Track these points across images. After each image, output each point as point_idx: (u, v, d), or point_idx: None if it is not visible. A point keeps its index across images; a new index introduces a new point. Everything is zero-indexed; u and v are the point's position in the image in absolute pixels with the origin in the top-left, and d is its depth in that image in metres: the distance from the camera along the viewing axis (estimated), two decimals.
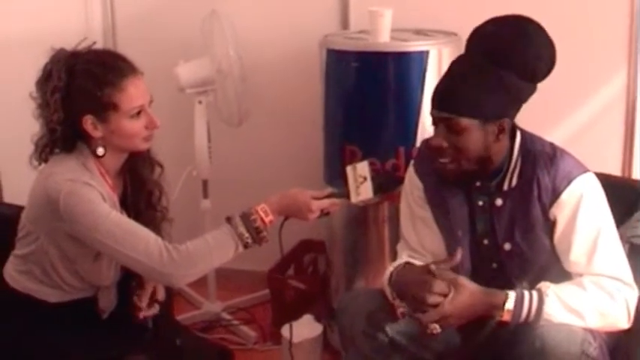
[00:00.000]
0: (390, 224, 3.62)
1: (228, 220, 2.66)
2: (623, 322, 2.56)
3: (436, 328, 2.56)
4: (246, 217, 2.65)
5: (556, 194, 2.61)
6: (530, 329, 2.48)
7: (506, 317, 2.52)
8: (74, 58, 2.65)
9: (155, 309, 2.93)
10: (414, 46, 3.52)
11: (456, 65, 2.70)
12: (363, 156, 3.40)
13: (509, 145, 2.70)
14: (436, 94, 2.68)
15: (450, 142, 2.63)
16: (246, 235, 2.63)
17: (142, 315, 2.90)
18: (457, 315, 2.55)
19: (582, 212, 2.59)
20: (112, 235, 2.55)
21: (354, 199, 2.78)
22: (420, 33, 3.79)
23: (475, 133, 2.60)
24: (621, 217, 2.77)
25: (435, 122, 2.67)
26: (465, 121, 2.59)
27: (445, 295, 2.56)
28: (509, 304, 2.51)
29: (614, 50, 3.80)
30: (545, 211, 2.64)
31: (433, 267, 2.59)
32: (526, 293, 2.52)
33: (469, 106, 2.59)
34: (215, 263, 2.67)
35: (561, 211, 2.62)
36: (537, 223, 2.65)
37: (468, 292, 2.56)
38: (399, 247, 2.98)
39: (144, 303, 2.91)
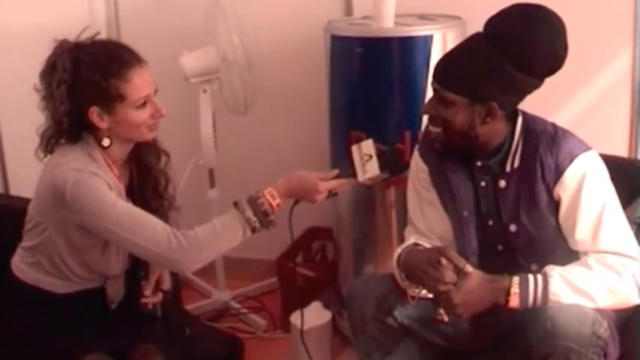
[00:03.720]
0: (397, 209, 3.62)
1: (236, 204, 2.65)
2: (635, 298, 2.56)
3: (443, 315, 2.58)
4: (253, 201, 2.65)
5: (559, 173, 2.62)
6: (541, 312, 2.48)
7: (514, 302, 2.52)
8: (78, 50, 2.64)
9: (158, 297, 2.94)
10: (418, 30, 3.51)
11: (463, 41, 2.72)
12: (367, 138, 3.40)
13: (511, 127, 2.71)
14: (436, 65, 2.73)
15: (437, 112, 2.69)
16: (254, 219, 2.62)
17: (143, 301, 2.90)
18: (466, 303, 2.56)
19: (586, 189, 2.60)
20: (120, 223, 2.56)
21: (360, 177, 2.77)
22: (424, 17, 3.78)
23: (461, 110, 2.63)
24: (628, 198, 2.77)
25: (432, 90, 2.72)
26: (452, 96, 2.63)
27: (454, 284, 2.56)
28: (515, 288, 2.51)
29: (618, 30, 3.79)
30: (550, 191, 2.64)
31: (444, 261, 2.59)
32: (530, 276, 2.53)
33: (457, 83, 2.62)
34: (224, 248, 2.66)
35: (565, 190, 2.62)
36: (542, 203, 2.66)
37: (474, 280, 2.57)
38: (407, 231, 2.99)
39: (148, 292, 2.92)
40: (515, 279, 2.53)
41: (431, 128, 2.75)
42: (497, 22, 2.62)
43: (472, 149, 2.72)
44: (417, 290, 2.70)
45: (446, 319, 2.60)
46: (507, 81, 2.59)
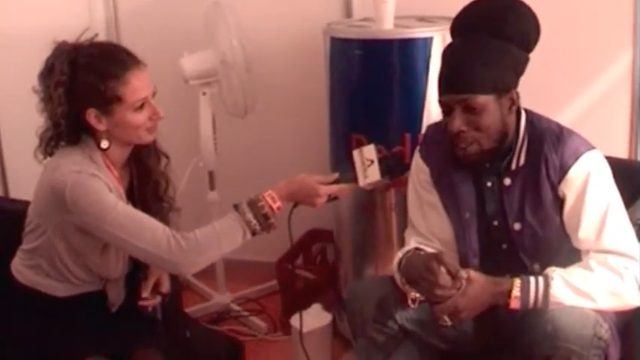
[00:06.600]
0: (398, 211, 3.62)
1: (236, 207, 2.65)
2: (636, 300, 2.56)
3: (447, 321, 2.57)
4: (253, 204, 2.65)
5: (564, 171, 2.62)
6: (542, 313, 2.48)
7: (515, 304, 2.52)
8: (76, 52, 2.64)
9: (157, 299, 2.94)
10: (418, 32, 3.51)
11: (455, 49, 2.70)
12: (368, 143, 3.39)
13: (516, 123, 2.70)
14: (447, 79, 2.67)
15: (470, 123, 2.62)
16: (254, 221, 2.62)
17: (140, 303, 2.90)
18: (469, 308, 2.56)
19: (591, 188, 2.60)
20: (120, 225, 2.55)
21: (361, 182, 2.77)
22: (424, 19, 3.77)
23: (493, 109, 2.61)
24: (628, 199, 2.77)
25: (449, 108, 2.65)
26: (483, 98, 2.59)
27: (457, 289, 2.55)
28: (516, 291, 2.51)
29: (618, 32, 3.78)
30: (555, 189, 2.64)
31: (436, 266, 2.59)
32: (531, 278, 2.52)
33: (484, 83, 2.59)
34: (223, 250, 2.66)
35: (570, 188, 2.63)
36: (547, 201, 2.66)
37: (478, 285, 2.56)
38: (407, 233, 2.98)
39: (145, 294, 2.92)
40: (517, 281, 2.53)
41: (462, 146, 2.66)
42: (481, 15, 2.66)
43: (501, 149, 2.70)
44: (417, 294, 2.69)
45: (449, 323, 2.59)
46: (516, 63, 2.63)
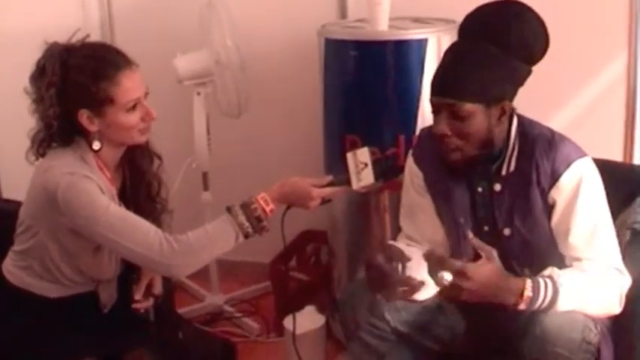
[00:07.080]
0: (392, 213, 3.61)
1: (229, 209, 2.64)
2: (616, 309, 2.56)
3: (447, 279, 2.41)
4: (246, 207, 2.64)
5: (555, 177, 2.59)
6: (533, 316, 2.47)
7: (523, 305, 2.46)
8: (68, 52, 2.63)
9: (149, 301, 2.94)
10: (413, 34, 3.51)
11: (454, 51, 2.67)
12: (362, 145, 3.39)
13: (507, 129, 2.68)
14: (438, 81, 2.64)
15: (454, 128, 2.60)
16: (247, 224, 2.62)
17: (134, 306, 2.90)
18: (475, 281, 2.41)
19: (582, 196, 2.58)
20: (112, 227, 2.54)
21: (355, 185, 2.76)
22: (418, 21, 3.77)
23: (479, 118, 2.58)
24: (623, 202, 2.76)
25: (437, 109, 2.63)
26: (469, 106, 2.56)
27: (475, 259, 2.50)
28: (528, 291, 2.46)
29: (614, 35, 3.78)
30: (545, 195, 2.62)
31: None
32: (540, 280, 2.48)
33: (473, 91, 2.56)
34: (216, 253, 2.65)
35: (560, 194, 2.60)
36: (537, 207, 2.63)
37: (493, 265, 2.47)
38: (399, 237, 2.97)
39: (138, 296, 2.91)
40: (528, 281, 2.47)
41: (446, 150, 2.65)
42: (486, 21, 2.62)
43: (487, 155, 2.69)
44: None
45: (447, 282, 2.40)
46: (514, 74, 2.59)
